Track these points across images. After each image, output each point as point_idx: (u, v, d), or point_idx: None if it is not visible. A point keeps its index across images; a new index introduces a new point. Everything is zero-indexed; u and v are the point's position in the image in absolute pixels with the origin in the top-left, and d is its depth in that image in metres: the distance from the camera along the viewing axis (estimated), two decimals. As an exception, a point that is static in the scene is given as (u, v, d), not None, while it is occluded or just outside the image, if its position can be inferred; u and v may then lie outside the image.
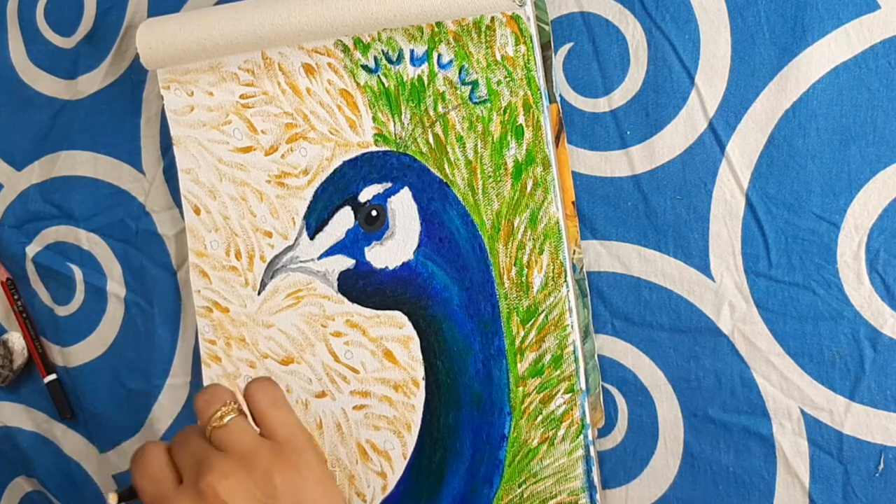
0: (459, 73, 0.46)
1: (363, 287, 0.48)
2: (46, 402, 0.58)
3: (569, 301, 0.45)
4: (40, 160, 0.57)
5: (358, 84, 0.48)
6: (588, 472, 0.45)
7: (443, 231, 0.47)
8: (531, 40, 0.45)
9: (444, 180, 0.47)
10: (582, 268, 0.46)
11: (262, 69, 0.49)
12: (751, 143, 0.43)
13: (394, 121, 0.47)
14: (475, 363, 0.47)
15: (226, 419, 0.39)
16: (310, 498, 0.38)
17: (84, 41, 0.56)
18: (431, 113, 0.47)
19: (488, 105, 0.46)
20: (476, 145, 0.46)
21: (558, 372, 0.45)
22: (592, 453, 0.45)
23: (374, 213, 0.48)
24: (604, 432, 0.46)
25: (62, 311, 0.57)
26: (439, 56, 0.46)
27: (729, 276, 0.44)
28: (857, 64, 0.41)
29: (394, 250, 0.48)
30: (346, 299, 0.49)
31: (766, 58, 0.43)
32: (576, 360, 0.45)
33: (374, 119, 0.48)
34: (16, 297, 0.57)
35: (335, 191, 0.49)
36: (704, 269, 0.44)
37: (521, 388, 0.46)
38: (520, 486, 0.46)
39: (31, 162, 0.57)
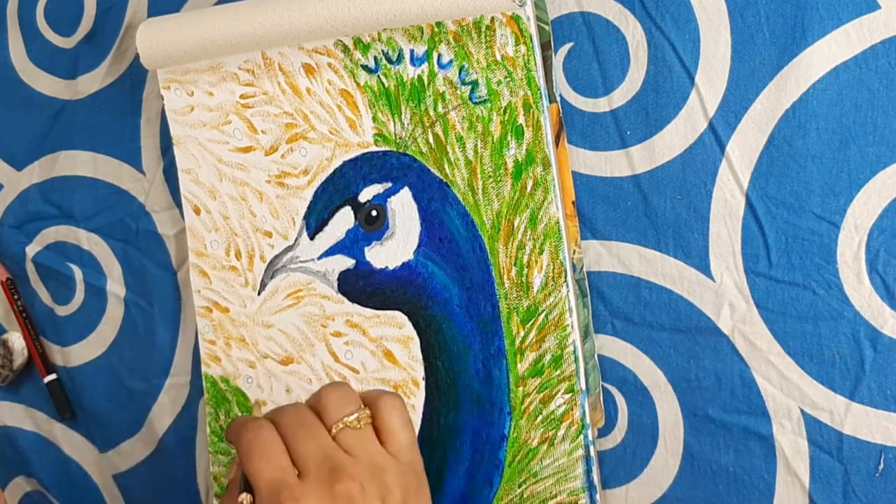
0: (459, 73, 0.46)
1: (363, 287, 0.48)
2: (46, 402, 0.58)
3: (569, 301, 0.45)
4: (40, 160, 0.57)
5: (358, 84, 0.48)
6: (588, 472, 0.45)
7: (443, 231, 0.47)
8: (531, 40, 0.45)
9: (444, 180, 0.47)
10: (582, 268, 0.46)
11: (262, 69, 0.49)
12: (751, 143, 0.43)
13: (394, 121, 0.47)
14: (475, 363, 0.47)
15: (361, 424, 0.38)
16: None
17: (84, 41, 0.56)
18: (431, 113, 0.47)
19: (488, 105, 0.46)
20: (476, 145, 0.46)
21: (558, 372, 0.45)
22: (592, 453, 0.45)
23: (374, 213, 0.48)
24: (604, 432, 0.46)
25: (62, 310, 0.57)
26: (439, 56, 0.46)
27: (729, 276, 0.44)
28: (857, 64, 0.41)
29: (394, 250, 0.48)
30: (346, 299, 0.49)
31: (766, 58, 0.43)
32: (576, 360, 0.45)
33: (374, 119, 0.48)
34: (16, 297, 0.57)
35: (335, 191, 0.49)
36: (704, 269, 0.44)
37: (521, 388, 0.46)
38: (520, 486, 0.46)
39: (31, 162, 0.57)
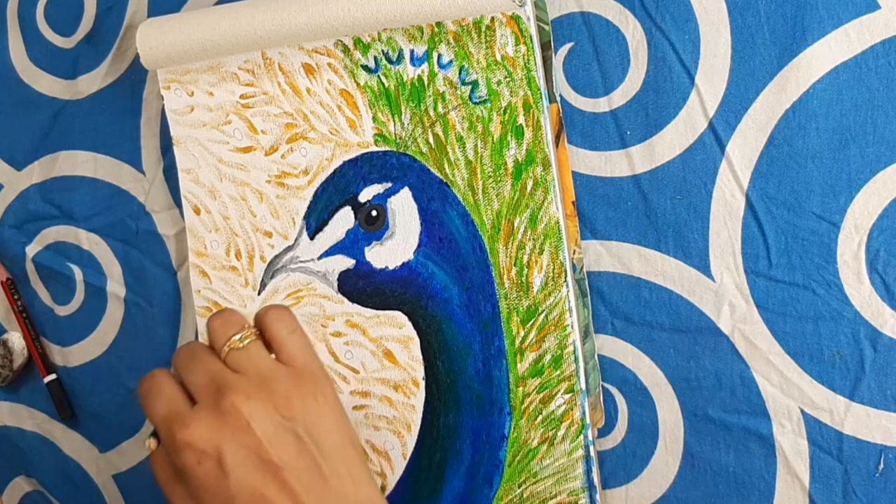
0: (459, 73, 0.46)
1: (363, 287, 0.48)
2: (46, 402, 0.58)
3: (569, 301, 0.45)
4: (40, 160, 0.57)
5: (358, 84, 0.48)
6: (588, 472, 0.45)
7: (443, 231, 0.47)
8: (531, 40, 0.45)
9: (444, 180, 0.47)
10: (582, 268, 0.46)
11: (262, 69, 0.49)
12: (751, 143, 0.43)
13: (394, 121, 0.47)
14: (475, 363, 0.47)
15: (245, 342, 0.38)
16: (325, 426, 0.38)
17: (84, 41, 0.56)
18: (431, 113, 0.47)
19: (488, 105, 0.46)
20: (476, 145, 0.46)
21: (558, 372, 0.45)
22: (592, 453, 0.45)
23: (374, 213, 0.48)
24: (604, 432, 0.46)
25: (62, 311, 0.57)
26: (439, 56, 0.46)
27: (729, 276, 0.44)
28: (857, 64, 0.41)
29: (394, 250, 0.48)
30: (346, 299, 0.49)
31: (766, 58, 0.43)
32: (576, 360, 0.45)
33: (374, 119, 0.48)
34: (16, 297, 0.57)
35: (335, 191, 0.49)
36: (704, 269, 0.44)
37: (521, 388, 0.46)
38: (520, 487, 0.46)
39: (31, 162, 0.57)
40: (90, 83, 0.56)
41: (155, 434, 0.38)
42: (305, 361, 0.39)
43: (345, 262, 0.49)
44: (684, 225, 0.44)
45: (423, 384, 0.48)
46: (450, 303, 0.47)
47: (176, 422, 0.36)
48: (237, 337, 0.39)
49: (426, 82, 0.47)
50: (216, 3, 0.52)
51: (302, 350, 0.40)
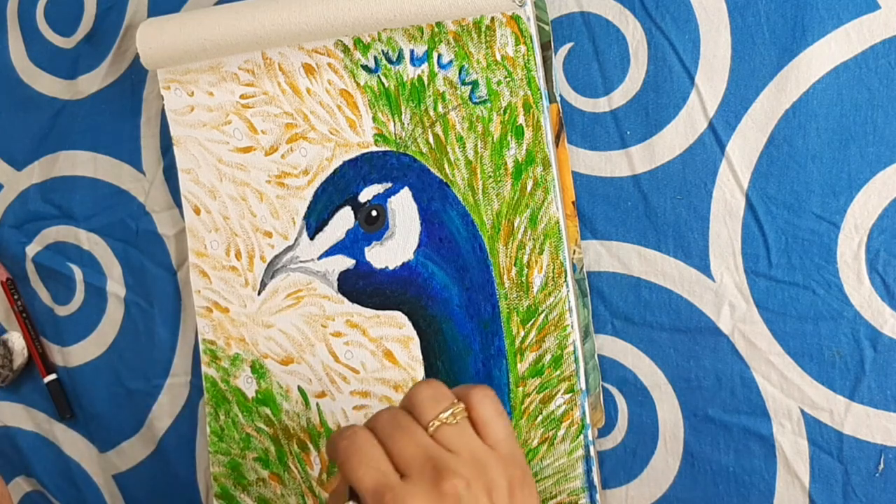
0: (459, 73, 0.46)
1: (363, 287, 0.48)
2: (46, 402, 0.58)
3: (569, 301, 0.45)
4: (40, 160, 0.57)
5: (358, 84, 0.48)
6: (588, 472, 0.45)
7: (443, 231, 0.47)
8: (531, 40, 0.45)
9: (444, 180, 0.47)
10: (582, 268, 0.46)
11: (262, 69, 0.49)
12: (751, 143, 0.43)
13: (394, 121, 0.47)
14: (475, 363, 0.47)
15: (457, 419, 0.37)
16: None
17: (84, 41, 0.56)
18: (431, 113, 0.47)
19: (488, 105, 0.46)
20: (476, 145, 0.46)
21: (558, 372, 0.45)
22: (592, 453, 0.45)
23: (374, 213, 0.48)
24: (604, 432, 0.46)
25: (62, 311, 0.57)
26: (439, 56, 0.46)
27: (729, 276, 0.44)
28: (857, 64, 0.41)
29: (394, 250, 0.48)
30: (346, 299, 0.49)
31: (766, 58, 0.43)
32: (576, 360, 0.45)
33: (374, 119, 0.48)
34: (16, 297, 0.57)
35: (335, 191, 0.49)
36: (704, 269, 0.44)
37: (521, 389, 0.46)
38: (520, 486, 0.46)
39: (31, 162, 0.57)
40: (90, 83, 0.56)
41: (354, 498, 0.37)
42: (512, 448, 0.38)
43: (345, 262, 0.49)
44: (684, 225, 0.44)
45: (423, 384, 0.48)
46: (450, 303, 0.47)
47: (389, 495, 0.35)
48: (448, 413, 0.37)
49: (426, 82, 0.47)
50: (216, 3, 0.52)
51: (508, 436, 0.38)
